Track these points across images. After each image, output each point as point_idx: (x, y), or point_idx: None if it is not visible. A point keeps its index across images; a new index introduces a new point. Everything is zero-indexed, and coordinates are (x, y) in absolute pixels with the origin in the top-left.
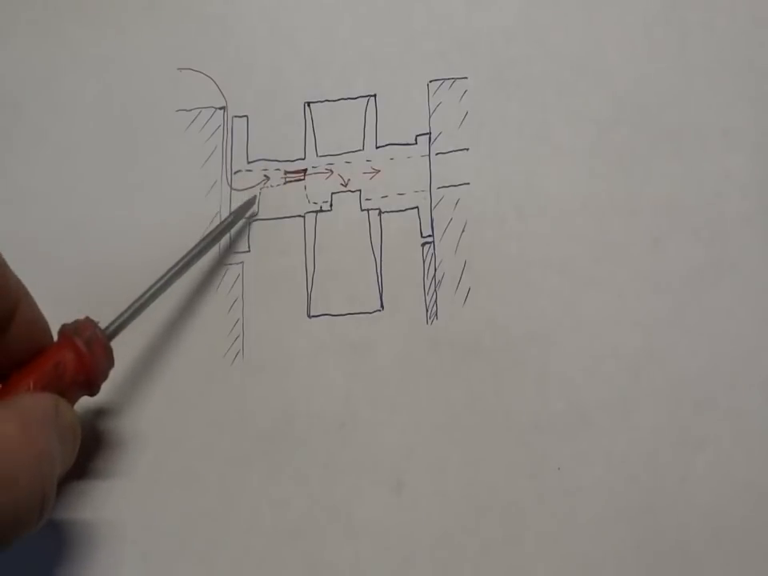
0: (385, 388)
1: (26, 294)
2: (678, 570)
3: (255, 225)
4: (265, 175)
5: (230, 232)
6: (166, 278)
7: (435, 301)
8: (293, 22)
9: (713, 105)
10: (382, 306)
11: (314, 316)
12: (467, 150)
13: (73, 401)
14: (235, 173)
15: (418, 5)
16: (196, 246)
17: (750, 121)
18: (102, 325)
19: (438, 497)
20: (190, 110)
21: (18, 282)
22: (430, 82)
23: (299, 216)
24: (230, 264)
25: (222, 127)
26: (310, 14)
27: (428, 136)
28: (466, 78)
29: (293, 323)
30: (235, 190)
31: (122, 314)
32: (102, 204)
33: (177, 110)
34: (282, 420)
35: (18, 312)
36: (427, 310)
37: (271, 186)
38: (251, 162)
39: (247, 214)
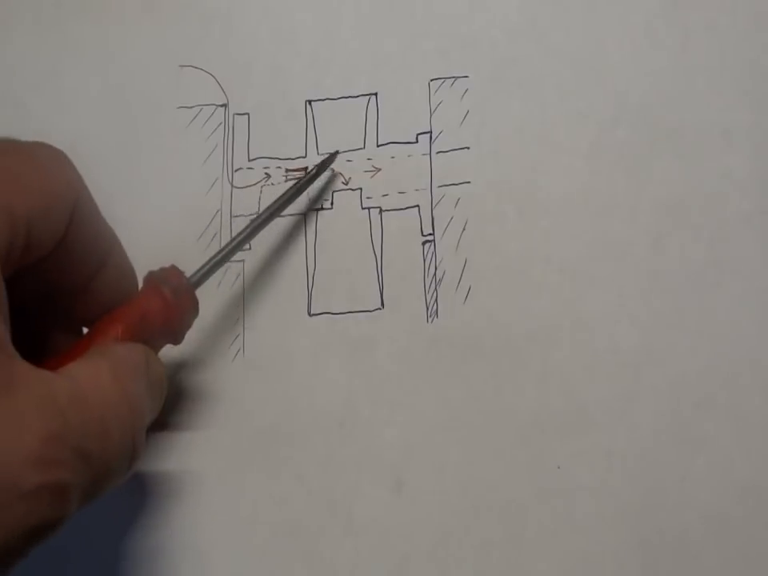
0: (385, 386)
1: (118, 243)
2: (678, 569)
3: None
4: (266, 173)
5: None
6: (249, 229)
7: (436, 299)
8: (294, 20)
9: (713, 104)
10: (382, 305)
11: (314, 314)
12: (468, 148)
13: (157, 349)
14: (236, 170)
15: (419, 3)
16: (279, 198)
17: (751, 120)
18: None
19: (438, 495)
20: (192, 107)
21: (111, 230)
22: (431, 80)
23: (300, 214)
24: (231, 262)
25: (223, 125)
26: (312, 13)
27: (429, 135)
28: (467, 76)
29: (293, 321)
30: (236, 187)
31: (206, 263)
32: (104, 200)
33: (178, 107)
34: (282, 418)
35: (109, 259)
36: (428, 309)
37: (272, 184)
38: (252, 159)
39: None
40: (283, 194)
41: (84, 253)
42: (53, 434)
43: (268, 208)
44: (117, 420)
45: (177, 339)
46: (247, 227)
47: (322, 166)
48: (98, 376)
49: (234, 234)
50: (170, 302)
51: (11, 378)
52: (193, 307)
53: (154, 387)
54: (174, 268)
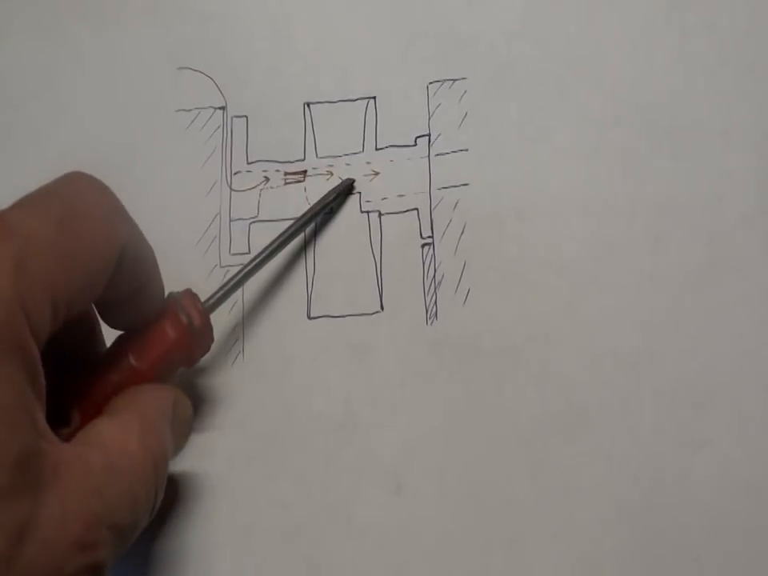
0: (384, 389)
1: (156, 269)
2: (679, 570)
3: (255, 226)
4: (265, 176)
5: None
6: (262, 256)
7: (435, 302)
8: (292, 23)
9: (713, 105)
10: (381, 308)
11: (313, 317)
12: (467, 150)
13: (173, 374)
14: (235, 173)
15: (417, 6)
16: (293, 224)
17: (750, 121)
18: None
19: (438, 498)
20: (190, 110)
21: (152, 258)
22: (430, 83)
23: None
24: (230, 266)
25: (221, 127)
26: (310, 15)
27: (428, 137)
28: (465, 78)
29: (293, 325)
30: (235, 190)
31: (220, 289)
32: None
33: (176, 110)
34: (282, 421)
35: (147, 286)
36: (427, 311)
37: (271, 188)
38: (251, 162)
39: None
40: (296, 221)
41: (121, 291)
42: (92, 515)
43: (281, 234)
44: (144, 483)
45: (192, 364)
46: (260, 254)
47: (340, 194)
48: (127, 441)
49: (232, 238)
50: (190, 333)
51: (57, 465)
52: (210, 335)
53: (178, 429)
54: (190, 295)
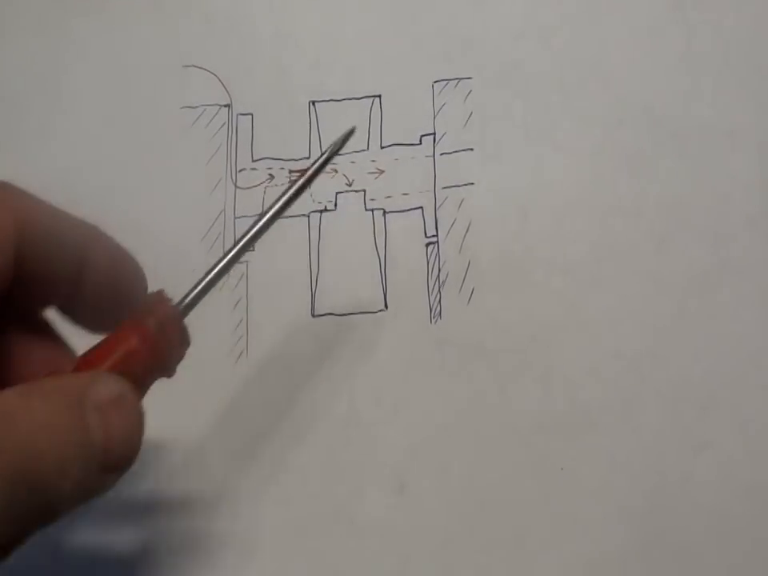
0: (388, 388)
1: (96, 234)
2: (681, 571)
3: None
4: (269, 174)
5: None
6: (243, 242)
7: (439, 301)
8: (298, 21)
9: (718, 106)
10: (386, 306)
11: (318, 315)
12: (471, 150)
13: (147, 385)
14: (240, 171)
15: (423, 5)
16: (279, 197)
17: (756, 122)
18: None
19: (441, 497)
20: (195, 107)
21: (81, 225)
22: (435, 82)
23: (303, 215)
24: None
25: (226, 125)
26: (316, 13)
27: (432, 136)
28: (470, 78)
29: (297, 322)
30: (240, 188)
31: (195, 287)
32: (106, 201)
33: (182, 107)
34: (285, 419)
35: (89, 254)
36: (431, 310)
37: (276, 185)
38: (256, 160)
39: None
40: (284, 193)
41: (49, 266)
42: None
43: (270, 206)
44: (58, 456)
45: (167, 373)
46: (246, 233)
47: (334, 148)
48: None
49: (236, 235)
50: (154, 338)
51: None
52: (181, 339)
53: (108, 411)
54: (160, 295)
